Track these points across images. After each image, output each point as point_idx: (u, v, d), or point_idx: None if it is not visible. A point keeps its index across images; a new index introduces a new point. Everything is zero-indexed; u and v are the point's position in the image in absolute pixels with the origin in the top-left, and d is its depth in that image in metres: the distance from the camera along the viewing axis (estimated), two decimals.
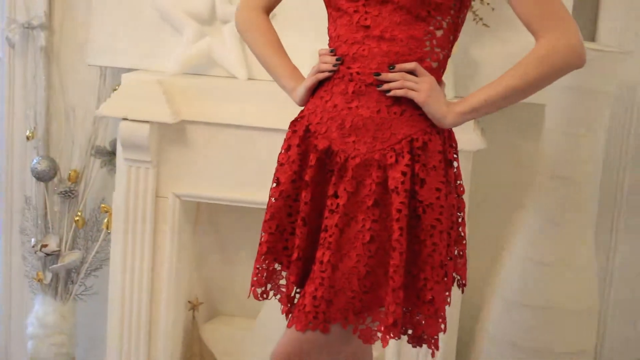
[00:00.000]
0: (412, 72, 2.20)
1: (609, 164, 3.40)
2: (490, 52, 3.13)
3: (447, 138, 2.31)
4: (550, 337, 3.14)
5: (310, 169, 2.27)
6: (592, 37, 3.41)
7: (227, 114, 3.26)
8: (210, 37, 3.36)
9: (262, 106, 3.22)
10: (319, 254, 2.21)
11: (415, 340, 2.33)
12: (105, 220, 3.52)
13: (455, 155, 2.35)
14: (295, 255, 2.29)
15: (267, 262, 2.41)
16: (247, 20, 2.53)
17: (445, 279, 2.25)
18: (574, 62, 2.20)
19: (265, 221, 2.40)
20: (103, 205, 3.54)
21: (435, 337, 2.27)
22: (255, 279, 2.42)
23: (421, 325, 2.28)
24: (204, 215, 3.51)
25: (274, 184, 2.38)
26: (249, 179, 3.24)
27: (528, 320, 3.14)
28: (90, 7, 3.47)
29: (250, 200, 3.27)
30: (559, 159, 3.12)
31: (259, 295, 2.44)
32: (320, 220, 2.28)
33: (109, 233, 3.46)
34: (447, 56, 2.34)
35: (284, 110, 2.89)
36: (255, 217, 3.35)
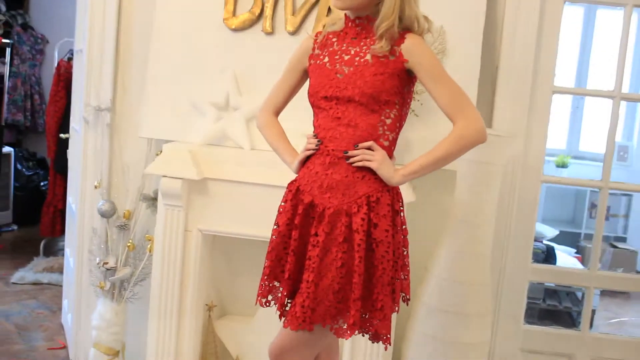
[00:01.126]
0: (370, 148, 2.32)
1: (501, 212, 3.42)
2: (420, 134, 3.14)
3: (395, 194, 2.42)
4: (460, 332, 3.14)
5: (298, 216, 2.38)
6: (489, 124, 3.43)
7: (236, 173, 3.25)
8: (225, 120, 3.35)
9: (260, 168, 3.21)
10: (305, 275, 2.31)
11: (374, 338, 2.41)
12: (149, 246, 3.50)
13: (401, 207, 2.45)
14: (286, 276, 2.39)
15: (269, 280, 2.49)
16: (264, 121, 2.68)
17: (393, 294, 2.35)
18: (480, 139, 2.35)
19: (268, 252, 2.48)
20: (147, 236, 3.52)
21: (388, 335, 2.37)
22: (260, 292, 2.51)
23: (374, 326, 2.35)
24: (218, 244, 3.50)
25: (275, 226, 2.48)
26: (250, 219, 3.22)
27: (444, 320, 3.13)
28: (142, 96, 3.48)
29: (251, 234, 3.25)
30: (466, 209, 3.13)
31: (263, 304, 2.53)
32: (305, 251, 2.36)
33: (151, 255, 3.43)
34: (396, 137, 2.46)
35: (275, 172, 3.00)
36: (254, 245, 3.37)
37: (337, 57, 2.42)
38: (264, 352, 3.38)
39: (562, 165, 6.82)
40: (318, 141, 2.39)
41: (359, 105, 2.34)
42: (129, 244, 3.51)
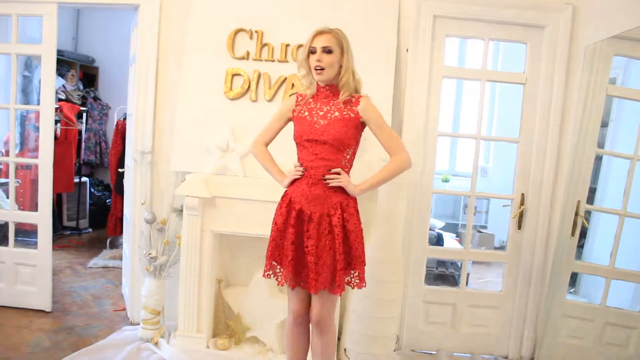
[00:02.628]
0: (338, 173, 2.36)
1: (407, 213, 3.41)
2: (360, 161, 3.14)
3: (355, 201, 2.48)
4: (383, 292, 3.13)
5: (293, 218, 2.39)
6: None
7: (234, 192, 3.22)
8: (226, 157, 3.30)
9: (249, 189, 3.18)
10: (308, 258, 2.35)
11: (357, 287, 2.48)
12: (178, 242, 3.42)
13: (357, 208, 2.49)
14: (289, 258, 2.37)
15: (271, 261, 2.46)
16: (255, 150, 2.64)
17: (362, 261, 2.44)
18: (408, 167, 2.47)
19: (269, 242, 2.46)
20: (177, 235, 3.44)
21: (364, 284, 2.47)
22: (266, 269, 2.49)
23: (355, 284, 2.47)
24: (224, 239, 3.43)
25: (274, 225, 2.46)
26: (244, 222, 3.19)
27: (373, 285, 3.09)
28: (172, 144, 3.43)
29: (244, 232, 3.23)
30: (384, 211, 3.11)
31: (267, 276, 2.49)
32: (300, 242, 2.39)
33: (180, 248, 3.36)
34: (352, 165, 2.48)
35: (259, 191, 3.04)
36: (247, 239, 3.35)
37: (314, 112, 2.46)
38: (255, 309, 3.35)
39: (446, 180, 6.85)
40: (303, 170, 2.43)
41: (330, 146, 2.39)
42: (165, 241, 3.44)
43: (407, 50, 3.43)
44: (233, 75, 3.39)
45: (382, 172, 2.45)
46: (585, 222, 3.51)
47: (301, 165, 2.44)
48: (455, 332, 3.67)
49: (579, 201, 3.51)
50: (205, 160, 3.34)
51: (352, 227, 2.40)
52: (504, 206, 3.71)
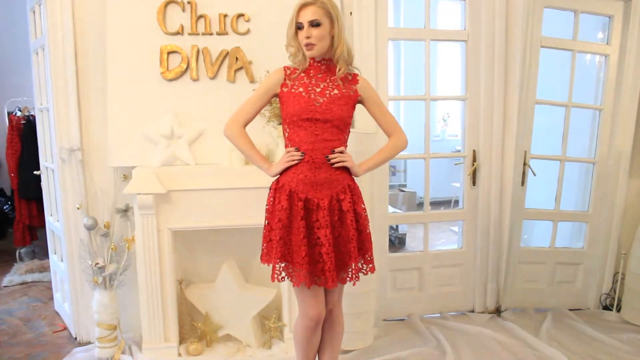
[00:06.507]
0: (342, 152, 2.16)
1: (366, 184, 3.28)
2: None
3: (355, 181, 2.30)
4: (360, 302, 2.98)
5: (300, 209, 2.11)
6: (353, 126, 3.26)
7: (187, 183, 2.90)
8: (173, 146, 2.97)
9: (203, 177, 2.90)
10: (323, 249, 2.12)
11: (366, 273, 2.29)
12: (127, 245, 3.04)
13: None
14: (303, 255, 2.10)
15: (281, 261, 2.15)
16: (234, 132, 2.25)
17: (371, 243, 2.28)
18: (405, 146, 2.30)
19: (273, 242, 2.16)
20: (125, 238, 3.06)
21: (374, 269, 2.29)
22: (277, 272, 2.18)
23: (367, 270, 2.27)
24: (181, 237, 3.10)
25: (278, 221, 2.14)
26: (200, 216, 2.91)
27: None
28: (102, 138, 3.06)
29: (202, 227, 2.94)
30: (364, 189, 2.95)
31: (280, 279, 2.18)
32: (309, 233, 2.14)
33: (130, 252, 3.02)
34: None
35: (212, 178, 2.86)
36: (208, 233, 3.08)
37: (309, 88, 2.18)
38: (225, 305, 3.10)
39: None
40: (302, 154, 2.15)
41: (332, 125, 2.15)
42: (112, 247, 3.03)
43: (350, 13, 3.24)
44: (169, 53, 3.01)
45: (383, 152, 2.31)
46: (533, 171, 3.60)
47: (297, 149, 2.16)
48: (423, 294, 3.65)
49: (525, 151, 3.58)
50: (149, 152, 2.98)
51: (361, 210, 2.22)
52: (455, 164, 3.70)
